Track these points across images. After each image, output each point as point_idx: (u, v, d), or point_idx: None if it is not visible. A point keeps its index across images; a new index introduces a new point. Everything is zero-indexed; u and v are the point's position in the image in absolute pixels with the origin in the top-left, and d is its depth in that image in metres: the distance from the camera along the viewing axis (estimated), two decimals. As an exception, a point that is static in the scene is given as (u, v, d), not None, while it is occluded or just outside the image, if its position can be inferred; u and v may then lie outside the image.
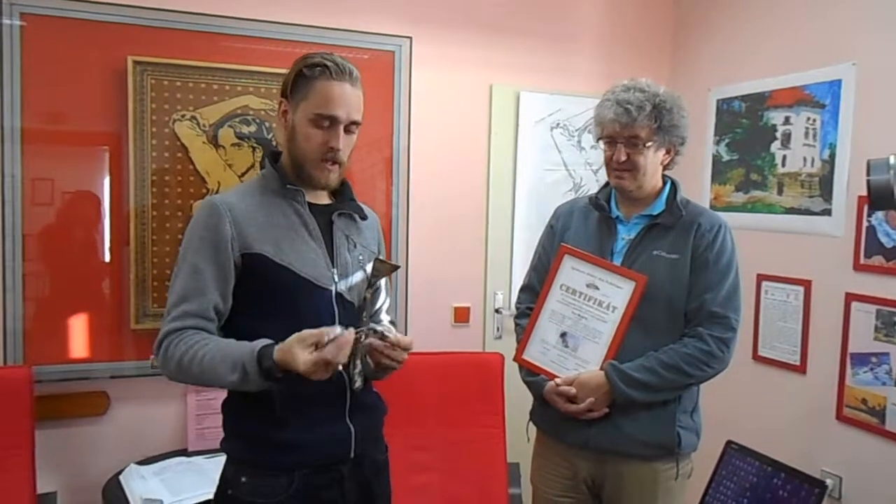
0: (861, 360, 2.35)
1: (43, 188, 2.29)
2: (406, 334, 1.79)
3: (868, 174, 1.27)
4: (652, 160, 1.82)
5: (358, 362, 1.49)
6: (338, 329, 1.36)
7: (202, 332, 1.46)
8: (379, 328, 1.46)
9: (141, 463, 2.34)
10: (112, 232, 2.38)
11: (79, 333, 2.36)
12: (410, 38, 2.73)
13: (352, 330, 1.38)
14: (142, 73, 2.35)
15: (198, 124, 2.44)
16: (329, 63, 1.50)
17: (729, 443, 2.41)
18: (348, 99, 1.51)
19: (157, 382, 2.43)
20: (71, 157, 2.33)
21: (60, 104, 2.29)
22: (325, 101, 1.49)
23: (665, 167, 1.89)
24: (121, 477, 2.26)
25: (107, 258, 2.38)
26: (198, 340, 1.44)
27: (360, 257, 1.62)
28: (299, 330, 1.43)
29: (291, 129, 1.53)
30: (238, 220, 1.49)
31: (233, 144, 2.50)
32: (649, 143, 1.79)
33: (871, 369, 2.31)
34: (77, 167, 2.35)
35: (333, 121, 1.50)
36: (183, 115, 2.42)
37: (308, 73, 1.50)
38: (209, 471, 2.27)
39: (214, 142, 2.47)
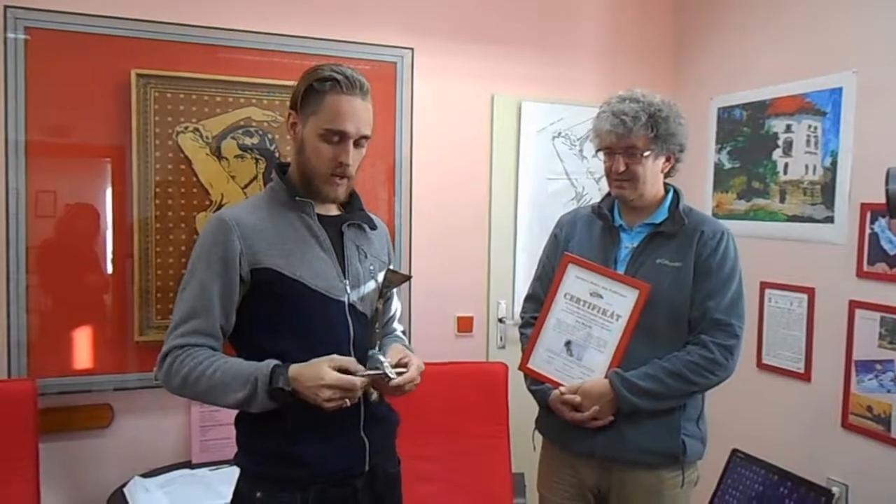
0: (866, 367, 2.34)
1: (47, 200, 2.30)
2: (410, 343, 1.79)
3: (887, 183, 1.26)
4: (651, 169, 1.83)
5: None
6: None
7: (207, 349, 1.47)
8: (390, 372, 1.46)
9: (145, 475, 2.34)
10: (115, 244, 2.38)
11: (83, 346, 2.36)
12: (412, 48, 2.74)
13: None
14: (145, 85, 2.36)
15: (201, 136, 2.45)
16: (339, 77, 1.49)
17: (734, 451, 2.40)
18: (358, 114, 1.50)
19: (161, 394, 2.40)
20: (75, 169, 2.34)
21: (64, 117, 2.30)
22: (334, 117, 1.48)
23: (666, 175, 1.90)
24: (125, 489, 2.25)
25: (110, 270, 2.39)
26: (207, 356, 1.45)
27: (371, 267, 1.62)
28: (313, 343, 1.47)
29: (300, 142, 1.53)
30: (247, 234, 1.48)
31: (236, 156, 2.51)
32: (647, 153, 1.80)
33: (876, 376, 2.31)
34: (81, 179, 2.36)
35: (343, 136, 1.49)
36: (186, 128, 2.43)
37: (318, 87, 1.49)
38: (214, 483, 2.28)
39: (217, 153, 2.48)
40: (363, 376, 1.43)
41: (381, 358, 1.49)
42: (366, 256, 1.62)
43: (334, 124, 1.48)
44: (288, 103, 1.59)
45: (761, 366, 2.74)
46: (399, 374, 1.47)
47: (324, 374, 1.38)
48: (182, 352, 1.45)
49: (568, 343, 1.86)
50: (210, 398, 1.45)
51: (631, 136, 1.79)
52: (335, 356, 1.43)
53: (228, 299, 1.48)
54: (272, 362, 1.42)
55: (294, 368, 1.41)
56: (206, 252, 1.48)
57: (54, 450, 2.32)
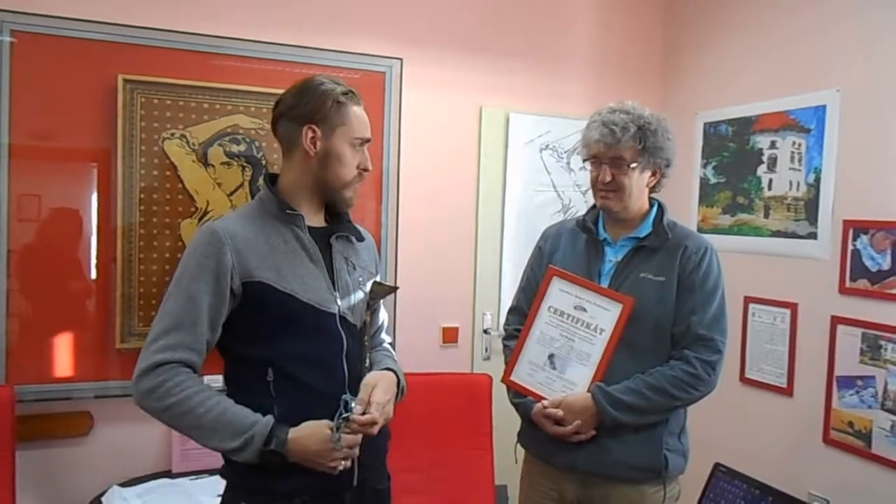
0: (847, 382, 2.36)
1: (30, 204, 2.28)
2: (395, 353, 1.78)
3: None
4: (637, 181, 1.83)
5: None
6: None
7: (191, 370, 1.43)
8: (346, 415, 1.45)
9: (124, 484, 2.31)
10: (99, 250, 2.36)
11: (63, 352, 2.34)
12: (401, 59, 2.74)
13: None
14: (132, 91, 2.35)
15: (187, 143, 2.44)
16: (352, 90, 1.58)
17: (717, 465, 2.40)
18: (368, 122, 1.62)
19: None
20: (59, 173, 2.32)
21: (50, 121, 2.28)
22: (361, 126, 1.58)
23: (651, 189, 1.90)
24: (103, 499, 2.23)
25: (93, 276, 2.37)
26: (197, 390, 1.41)
27: (360, 279, 1.62)
28: (307, 355, 1.48)
29: (324, 154, 1.53)
30: (239, 247, 1.47)
31: (222, 163, 2.50)
32: (634, 165, 1.81)
33: (857, 392, 2.33)
34: (65, 184, 2.34)
35: (365, 143, 1.60)
36: (173, 134, 2.42)
37: (344, 101, 1.55)
38: (193, 492, 2.25)
39: (204, 160, 2.47)
40: (338, 425, 1.44)
41: (351, 404, 1.47)
42: (354, 268, 1.62)
43: (363, 133, 1.58)
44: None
45: (744, 380, 2.75)
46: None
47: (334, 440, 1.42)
48: (168, 375, 1.40)
49: (551, 356, 1.85)
50: (190, 435, 1.43)
51: (619, 147, 1.79)
52: (326, 421, 1.44)
53: (217, 313, 1.46)
54: (270, 420, 1.41)
55: (295, 435, 1.42)
56: (196, 264, 1.46)
57: (31, 458, 2.29)
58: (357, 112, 1.57)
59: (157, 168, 2.40)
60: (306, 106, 1.54)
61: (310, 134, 1.54)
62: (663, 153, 1.84)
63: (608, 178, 1.82)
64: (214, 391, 1.45)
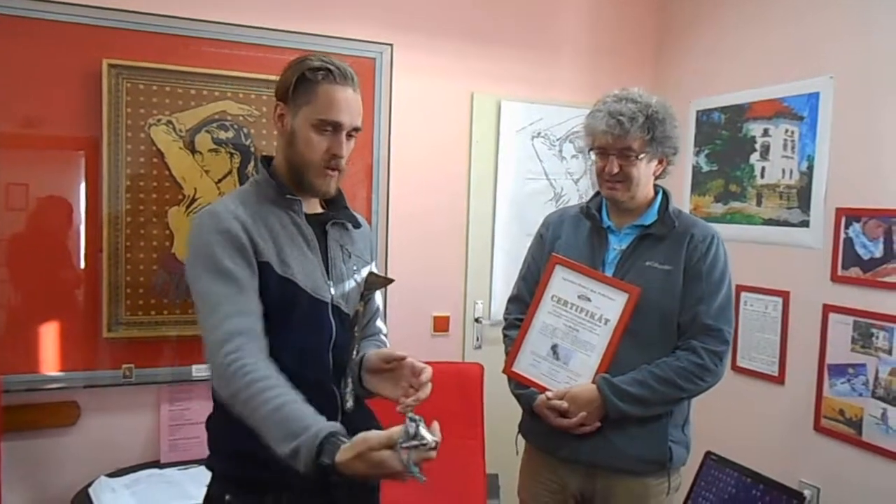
0: (838, 371, 2.36)
1: (15, 193, 2.22)
2: (386, 344, 1.75)
3: None
4: (644, 171, 1.80)
5: (349, 381, 1.48)
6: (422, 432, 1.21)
7: (257, 345, 1.34)
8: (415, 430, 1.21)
9: (111, 475, 2.28)
10: (86, 238, 2.32)
11: (50, 342, 2.29)
12: (391, 45, 2.70)
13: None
14: (117, 76, 2.30)
15: (174, 129, 2.40)
16: (332, 67, 1.45)
17: (708, 454, 2.40)
18: (351, 105, 1.47)
19: (129, 392, 2.39)
20: (44, 161, 2.27)
21: (33, 107, 2.23)
22: (328, 107, 1.44)
23: (657, 177, 1.87)
24: (90, 489, 2.20)
25: (80, 265, 2.32)
26: (260, 377, 1.27)
27: (355, 267, 1.58)
28: (294, 341, 1.43)
29: (290, 134, 1.48)
30: (246, 227, 1.42)
31: (210, 150, 2.45)
32: (642, 155, 1.77)
33: (849, 380, 2.33)
34: (51, 172, 2.28)
35: (337, 127, 1.46)
36: (159, 120, 2.37)
37: (311, 77, 1.45)
38: (182, 483, 2.24)
39: (191, 147, 2.42)
40: (404, 448, 1.19)
41: (421, 427, 1.23)
42: (349, 256, 1.58)
43: (329, 115, 1.44)
44: (266, 97, 1.55)
45: (736, 368, 2.75)
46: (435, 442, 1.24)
47: (391, 461, 1.18)
48: (235, 356, 1.29)
49: (554, 347, 1.83)
50: (254, 427, 1.27)
51: (627, 138, 1.75)
52: (369, 440, 1.19)
53: (256, 278, 1.40)
54: (321, 433, 1.20)
55: (343, 459, 1.18)
56: (213, 242, 1.39)
57: (17, 448, 2.25)
58: (329, 91, 1.44)
59: (143, 155, 2.35)
60: (282, 80, 1.50)
61: (278, 111, 1.50)
62: (671, 142, 1.81)
63: (616, 170, 1.77)
64: (282, 380, 1.30)
